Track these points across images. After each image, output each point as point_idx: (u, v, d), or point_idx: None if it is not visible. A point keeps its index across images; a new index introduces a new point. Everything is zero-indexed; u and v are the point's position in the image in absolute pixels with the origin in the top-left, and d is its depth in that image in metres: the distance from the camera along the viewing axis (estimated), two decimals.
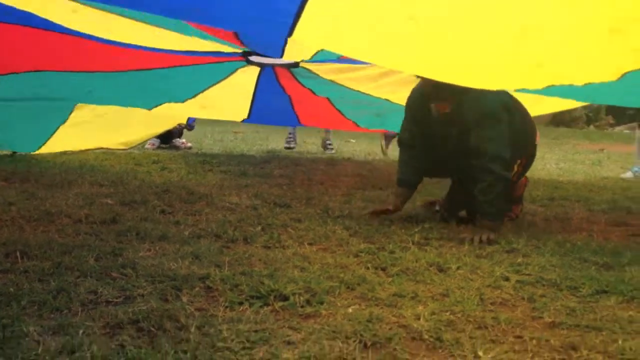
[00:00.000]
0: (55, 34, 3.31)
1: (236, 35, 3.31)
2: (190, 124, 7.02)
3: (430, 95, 2.97)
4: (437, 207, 3.28)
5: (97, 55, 3.83)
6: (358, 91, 4.64)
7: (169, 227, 2.61)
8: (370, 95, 4.68)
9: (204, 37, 3.39)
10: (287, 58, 3.95)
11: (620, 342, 1.53)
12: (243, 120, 5.64)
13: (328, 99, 5.08)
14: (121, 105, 4.86)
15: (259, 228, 2.70)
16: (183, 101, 4.94)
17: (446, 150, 2.97)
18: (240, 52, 3.99)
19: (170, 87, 4.66)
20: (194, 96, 4.83)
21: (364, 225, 2.84)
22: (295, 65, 4.34)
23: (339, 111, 5.37)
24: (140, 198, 3.24)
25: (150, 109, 4.91)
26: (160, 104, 4.86)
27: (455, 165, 2.99)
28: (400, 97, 4.50)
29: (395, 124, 4.69)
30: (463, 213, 3.15)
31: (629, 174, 5.49)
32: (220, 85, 4.73)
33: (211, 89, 4.76)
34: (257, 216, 2.97)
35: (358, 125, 5.78)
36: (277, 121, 6.64)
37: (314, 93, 4.92)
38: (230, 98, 5.15)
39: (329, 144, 7.61)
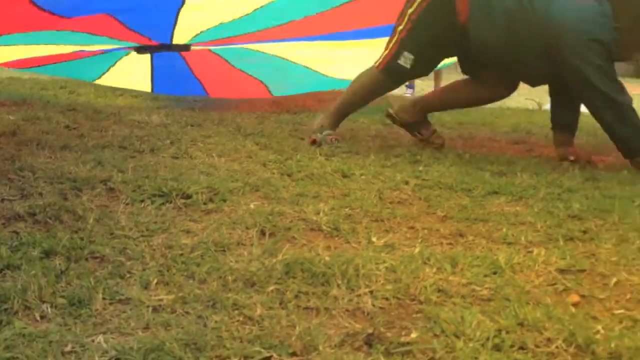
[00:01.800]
0: None
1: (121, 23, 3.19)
2: None
3: None
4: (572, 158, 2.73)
5: None
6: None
7: (72, 139, 2.54)
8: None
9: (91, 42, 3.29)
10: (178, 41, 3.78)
11: (504, 230, 1.64)
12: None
13: (224, 58, 4.31)
14: None
15: (168, 142, 2.67)
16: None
17: None
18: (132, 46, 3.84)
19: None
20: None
21: (275, 141, 2.86)
22: (187, 47, 4.04)
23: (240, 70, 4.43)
24: (44, 115, 3.12)
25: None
26: None
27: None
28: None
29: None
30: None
31: None
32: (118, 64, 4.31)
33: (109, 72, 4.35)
34: (166, 132, 2.92)
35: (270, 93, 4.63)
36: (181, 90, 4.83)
37: (210, 51, 4.27)
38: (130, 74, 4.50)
39: None
